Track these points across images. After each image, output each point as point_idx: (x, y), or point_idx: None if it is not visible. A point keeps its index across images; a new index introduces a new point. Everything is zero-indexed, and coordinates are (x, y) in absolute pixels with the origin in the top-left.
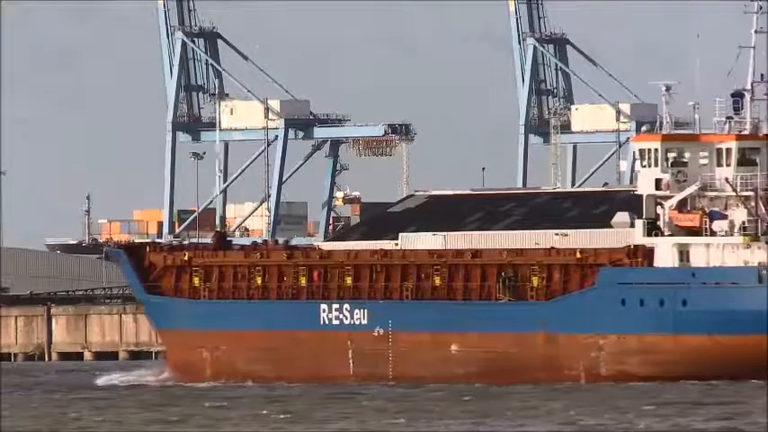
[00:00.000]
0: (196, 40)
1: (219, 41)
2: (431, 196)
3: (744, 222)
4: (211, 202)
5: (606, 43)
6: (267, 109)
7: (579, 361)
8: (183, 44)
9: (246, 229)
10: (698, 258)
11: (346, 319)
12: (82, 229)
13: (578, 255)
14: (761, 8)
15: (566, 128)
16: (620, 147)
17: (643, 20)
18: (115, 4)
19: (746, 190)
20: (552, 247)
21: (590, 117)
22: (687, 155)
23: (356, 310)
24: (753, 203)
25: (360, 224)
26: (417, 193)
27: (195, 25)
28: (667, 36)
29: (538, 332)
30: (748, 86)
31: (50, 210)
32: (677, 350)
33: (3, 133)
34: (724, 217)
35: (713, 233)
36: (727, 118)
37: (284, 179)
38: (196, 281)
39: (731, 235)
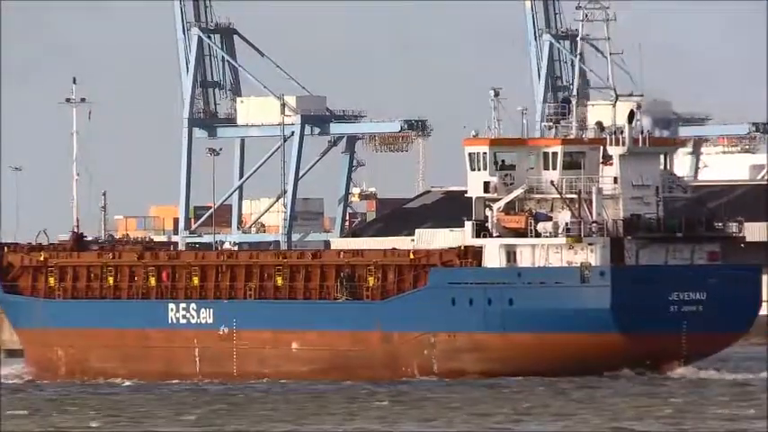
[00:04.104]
0: (212, 36)
1: (236, 38)
2: (447, 192)
3: (567, 224)
4: (227, 198)
5: (620, 39)
6: (283, 105)
7: (413, 359)
8: (200, 40)
9: (263, 225)
10: (524, 259)
11: (193, 318)
12: (98, 226)
13: (411, 255)
14: (586, 17)
15: None
16: None
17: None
18: (131, 3)
19: (571, 192)
20: (393, 248)
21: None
22: (514, 158)
23: (202, 310)
24: (576, 206)
25: (376, 220)
26: (434, 189)
27: (211, 21)
28: (675, 34)
29: (374, 331)
30: (574, 92)
31: (65, 206)
32: (505, 348)
33: (15, 130)
34: (549, 219)
35: (538, 234)
36: (554, 123)
37: (300, 175)
38: (51, 281)
39: (555, 236)
